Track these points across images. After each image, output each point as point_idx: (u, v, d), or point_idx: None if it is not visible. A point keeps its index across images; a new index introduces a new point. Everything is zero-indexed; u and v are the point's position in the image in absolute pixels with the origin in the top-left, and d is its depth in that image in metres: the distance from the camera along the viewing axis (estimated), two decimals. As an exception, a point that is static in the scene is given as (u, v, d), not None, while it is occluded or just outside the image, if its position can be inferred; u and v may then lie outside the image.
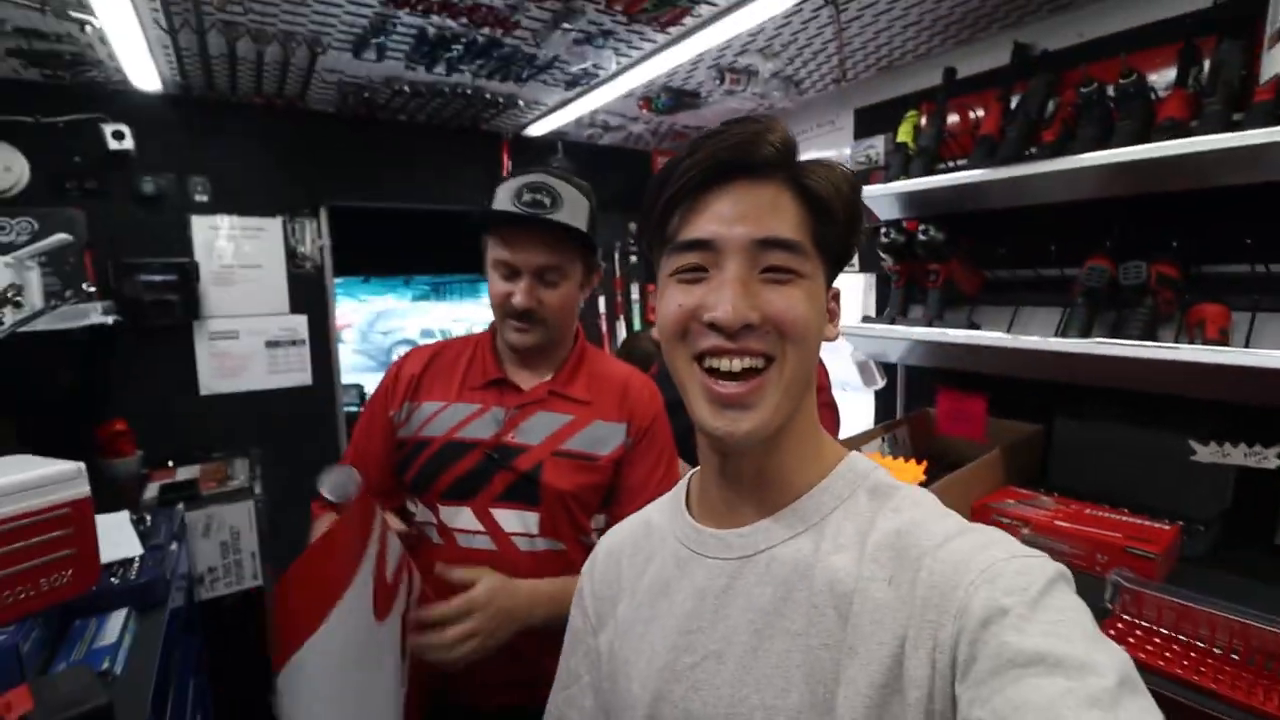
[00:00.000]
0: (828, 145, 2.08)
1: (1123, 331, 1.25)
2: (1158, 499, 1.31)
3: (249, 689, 1.79)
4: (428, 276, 3.27)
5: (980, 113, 1.58)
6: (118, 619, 0.99)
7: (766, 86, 1.82)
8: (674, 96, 1.90)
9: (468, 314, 3.94)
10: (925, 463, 1.23)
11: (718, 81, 1.76)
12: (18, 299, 1.13)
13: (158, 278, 1.81)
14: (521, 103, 2.00)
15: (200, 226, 1.91)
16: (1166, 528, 1.19)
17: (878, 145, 1.82)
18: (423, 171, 2.28)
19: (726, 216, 0.53)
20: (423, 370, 1.10)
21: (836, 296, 0.60)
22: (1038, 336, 1.30)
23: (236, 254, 1.99)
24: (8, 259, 1.39)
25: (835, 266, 0.58)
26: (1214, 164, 1.10)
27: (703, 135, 0.55)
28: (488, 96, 1.91)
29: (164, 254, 1.85)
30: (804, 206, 0.54)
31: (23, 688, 0.75)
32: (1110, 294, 1.29)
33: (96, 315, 1.55)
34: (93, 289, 1.51)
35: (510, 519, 0.98)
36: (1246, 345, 1.19)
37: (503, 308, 0.99)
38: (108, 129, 1.73)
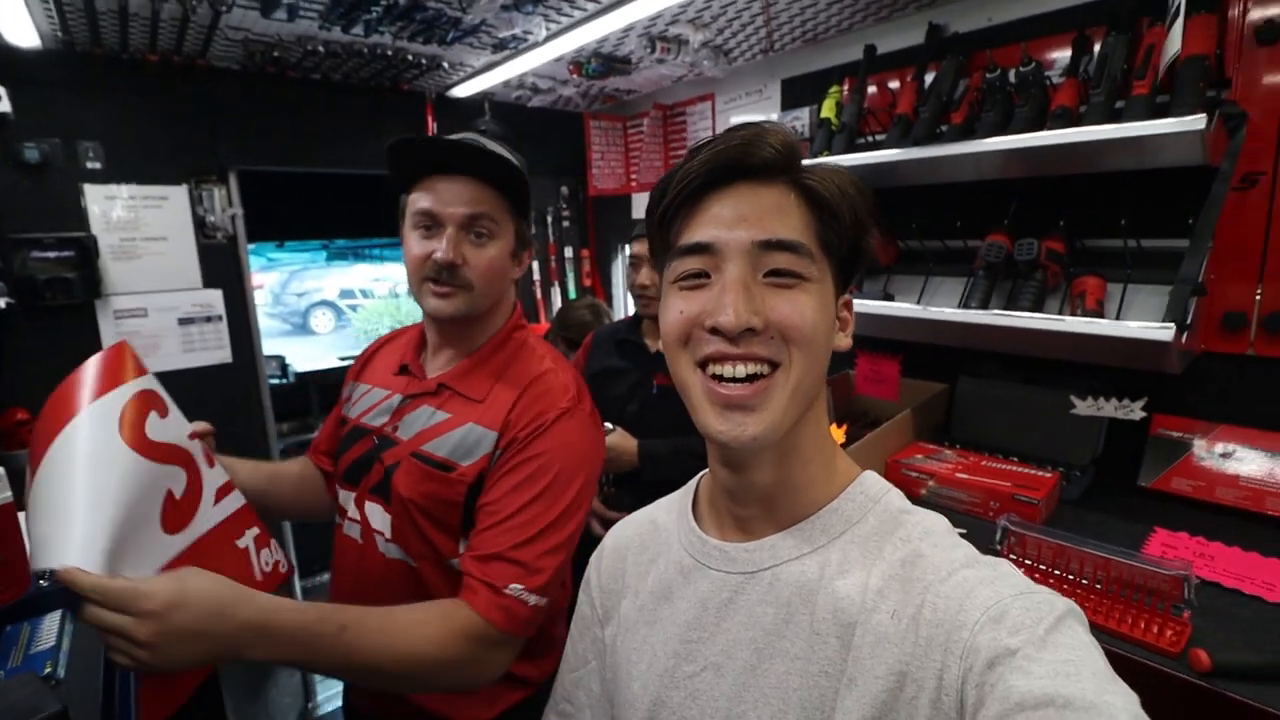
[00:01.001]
0: (757, 113, 2.12)
1: (1016, 303, 1.38)
2: (1043, 449, 1.49)
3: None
4: (346, 240, 3.13)
5: (895, 86, 1.65)
6: (52, 621, 0.97)
7: (696, 56, 1.83)
8: (604, 62, 1.88)
9: (389, 273, 3.79)
10: (845, 425, 1.34)
11: (648, 50, 1.75)
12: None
13: (52, 254, 1.67)
14: (446, 65, 1.92)
15: (95, 196, 1.76)
16: (1047, 475, 1.35)
17: (804, 117, 1.88)
18: (339, 133, 2.16)
19: (727, 219, 0.51)
20: (376, 350, 1.12)
21: (849, 305, 0.58)
22: (943, 307, 1.42)
23: (139, 225, 1.85)
24: None
25: (845, 271, 0.56)
26: (1096, 152, 1.22)
27: (704, 141, 0.54)
28: (409, 58, 1.82)
29: (57, 228, 1.70)
30: (808, 208, 0.53)
31: (-39, 701, 0.73)
32: (1007, 268, 1.41)
33: (-15, 298, 1.43)
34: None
35: (375, 514, 0.94)
36: (1119, 315, 1.35)
37: (420, 271, 0.89)
38: (-24, 89, 1.56)
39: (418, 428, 0.93)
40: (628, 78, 2.13)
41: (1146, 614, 0.97)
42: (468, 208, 0.88)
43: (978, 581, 0.45)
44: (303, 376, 3.59)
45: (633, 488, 1.51)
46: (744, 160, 0.51)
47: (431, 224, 0.89)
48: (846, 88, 1.72)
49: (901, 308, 1.53)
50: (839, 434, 1.29)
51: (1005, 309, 1.39)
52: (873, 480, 0.58)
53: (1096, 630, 0.93)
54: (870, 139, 1.66)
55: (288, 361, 3.68)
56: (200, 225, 1.97)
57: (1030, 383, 1.56)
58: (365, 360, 1.11)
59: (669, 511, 0.68)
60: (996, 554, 1.14)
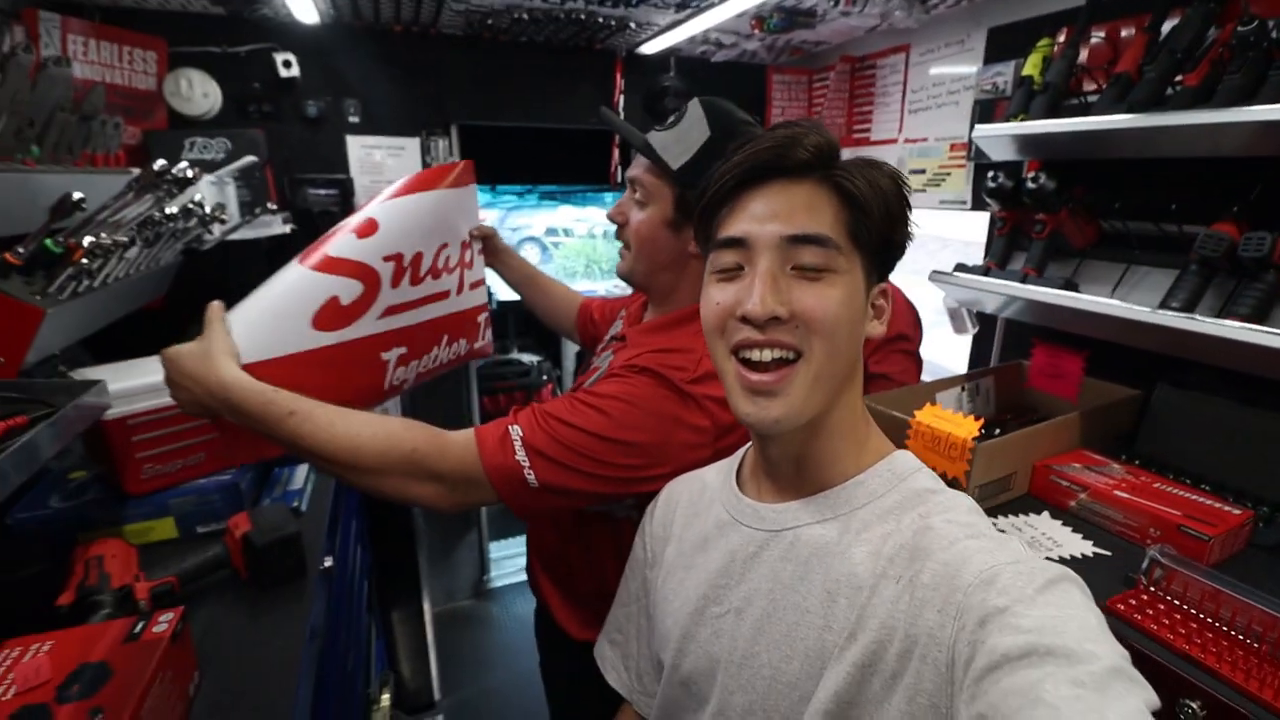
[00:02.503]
0: (956, 65, 1.92)
1: (1233, 307, 1.16)
2: (1246, 483, 1.26)
3: (396, 526, 2.25)
4: (548, 186, 3.45)
5: (1130, 33, 1.40)
6: (302, 469, 1.32)
7: (888, 5, 1.71)
8: (786, 16, 1.83)
9: (589, 215, 4.14)
10: (984, 420, 1.26)
11: (832, 3, 1.67)
12: (223, 216, 1.43)
13: (322, 191, 2.12)
14: (633, 24, 2.01)
15: (354, 145, 2.18)
16: (1235, 512, 1.16)
17: (1006, 73, 1.67)
18: (541, 90, 2.38)
19: (759, 215, 0.55)
20: None
21: (885, 293, 0.60)
22: (1137, 305, 1.24)
23: (383, 170, 2.26)
24: (211, 177, 1.71)
25: (880, 262, 0.59)
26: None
27: (746, 139, 0.59)
28: (600, 20, 1.95)
29: (326, 170, 2.15)
30: (839, 203, 0.55)
31: (244, 514, 1.06)
32: (1229, 264, 1.18)
33: (278, 225, 1.88)
34: (273, 205, 1.82)
35: None
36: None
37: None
38: (278, 58, 1.99)
39: (597, 373, 1.01)
40: (814, 30, 2.04)
41: (1308, 687, 0.84)
42: (632, 171, 0.96)
43: (977, 550, 0.48)
44: (503, 304, 4.09)
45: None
46: (778, 161, 0.55)
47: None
48: (1063, 38, 1.50)
49: (1088, 300, 1.36)
50: (972, 427, 1.22)
51: (1219, 313, 1.18)
52: (903, 460, 0.60)
53: (1243, 698, 0.85)
54: (1081, 100, 1.44)
55: (492, 290, 4.20)
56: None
57: (1250, 403, 1.32)
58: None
59: (718, 473, 0.74)
60: (1132, 582, 1.05)
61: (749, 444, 0.71)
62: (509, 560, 3.04)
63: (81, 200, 1.02)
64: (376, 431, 0.83)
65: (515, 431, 0.83)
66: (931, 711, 0.45)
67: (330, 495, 1.31)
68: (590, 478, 0.83)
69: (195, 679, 0.82)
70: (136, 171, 1.18)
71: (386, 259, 1.02)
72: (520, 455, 0.82)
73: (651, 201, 0.94)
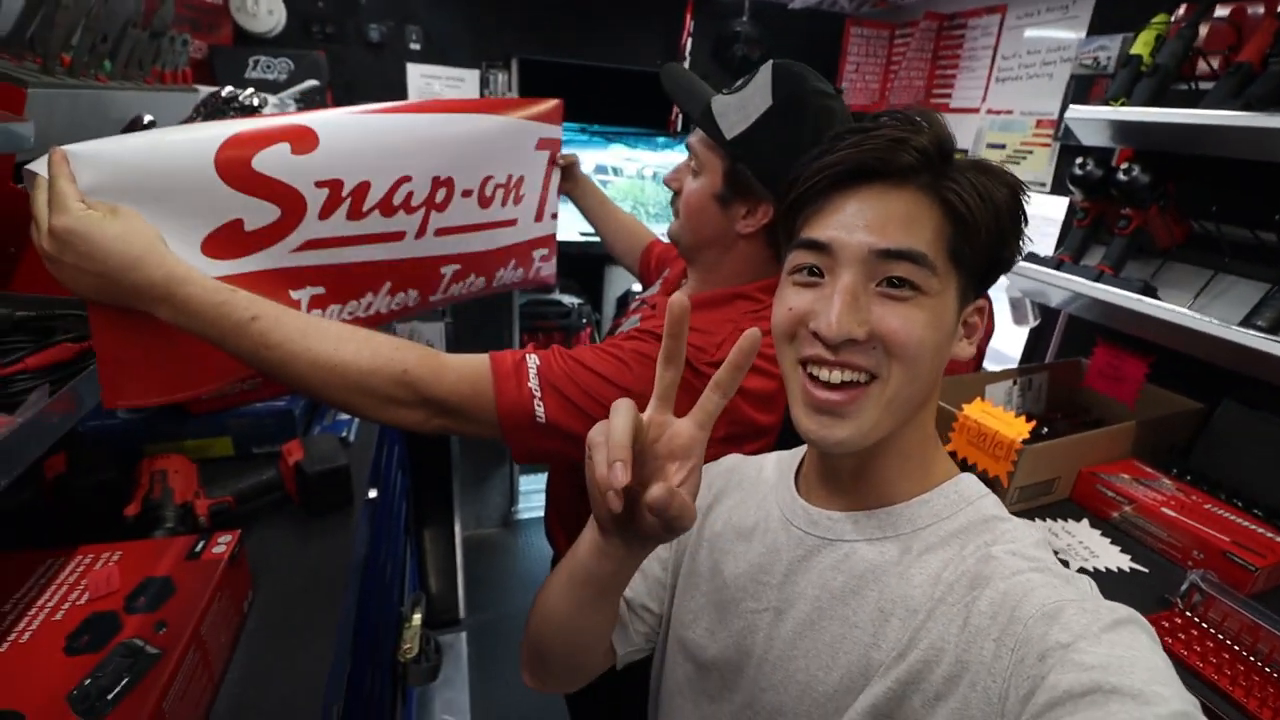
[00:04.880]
0: (1053, 30, 1.76)
1: (1326, 332, 1.09)
2: (1305, 513, 1.21)
3: (435, 452, 2.34)
4: (603, 126, 3.38)
5: (1258, 12, 1.26)
6: (350, 403, 1.37)
7: (993, -38, 1.56)
8: (879, -33, 1.70)
9: (639, 156, 4.08)
10: (1034, 422, 1.23)
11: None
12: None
13: (382, 120, 2.10)
14: (712, -37, 1.90)
15: (414, 74, 2.14)
16: (1288, 543, 1.12)
17: (1111, 48, 1.53)
18: (606, 29, 2.29)
19: (850, 222, 0.50)
20: None
21: (981, 310, 0.55)
22: (1217, 320, 1.17)
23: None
24: (275, 100, 1.70)
25: (980, 280, 0.54)
26: None
27: (847, 130, 0.53)
28: (678, -44, 1.84)
29: (386, 98, 2.12)
30: (942, 217, 0.50)
31: (296, 441, 1.11)
32: (1330, 285, 1.10)
33: (335, 152, 1.88)
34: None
35: None
36: None
37: None
38: (344, -24, 1.94)
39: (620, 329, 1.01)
40: (904, -18, 1.90)
41: (1337, 731, 0.83)
42: (690, 138, 0.92)
43: (1041, 584, 0.45)
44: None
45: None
46: (879, 166, 0.50)
47: None
48: (1182, 12, 1.36)
49: (1163, 308, 1.28)
50: (1023, 428, 1.19)
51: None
52: (969, 483, 0.57)
53: None
54: (1191, 87, 1.32)
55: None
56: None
57: (1320, 429, 1.25)
58: None
59: (776, 466, 0.71)
60: (1168, 604, 1.04)
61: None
62: (537, 494, 3.14)
63: (152, 122, 1.02)
64: (360, 349, 0.73)
65: (532, 361, 0.80)
66: None
67: (376, 426, 1.36)
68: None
69: (250, 596, 0.88)
70: (203, 91, 1.18)
71: (320, 184, 0.84)
72: (533, 384, 0.78)
73: (703, 172, 0.90)
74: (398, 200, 0.94)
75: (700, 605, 0.66)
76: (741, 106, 0.84)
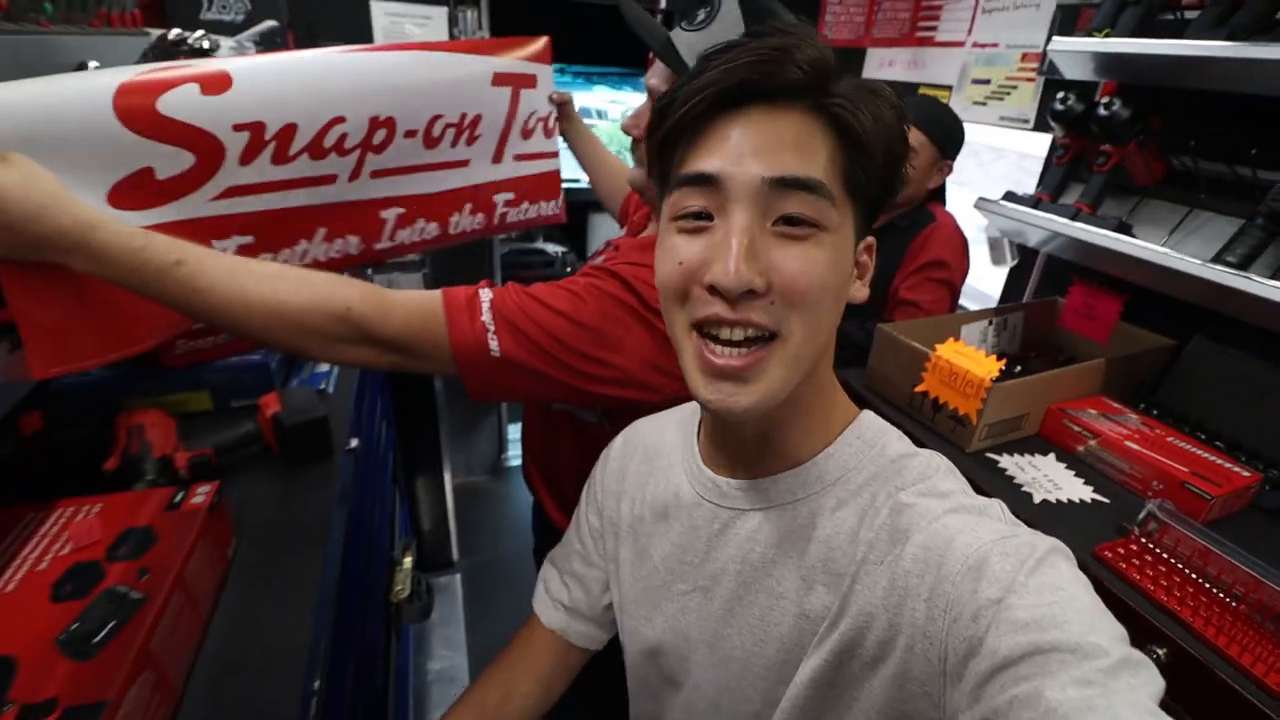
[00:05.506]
0: (1049, -41, 1.70)
1: (1294, 267, 1.10)
2: (1261, 444, 1.25)
3: (420, 402, 2.35)
4: (584, 66, 3.26)
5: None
6: (328, 355, 1.37)
7: (981, -118, 1.49)
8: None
9: (624, 99, 3.99)
10: (1005, 360, 1.25)
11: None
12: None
13: (347, 60, 2.02)
14: (689, -115, 1.79)
15: (378, 13, 2.05)
16: (1244, 474, 1.16)
17: None
18: (582, -42, 2.18)
19: (736, 149, 0.44)
20: None
21: (871, 249, 0.52)
22: (1189, 256, 1.17)
23: (405, 39, 2.13)
24: (231, 43, 1.63)
25: (869, 215, 0.49)
26: None
27: (716, 49, 0.46)
28: (653, -122, 1.73)
29: (349, 39, 2.03)
30: (835, 141, 0.45)
31: (273, 394, 1.12)
32: (1300, 222, 1.11)
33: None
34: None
35: None
36: None
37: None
38: (300, -95, 1.83)
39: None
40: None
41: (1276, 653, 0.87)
42: (655, 79, 0.89)
43: (959, 529, 0.44)
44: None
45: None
46: (763, 81, 0.44)
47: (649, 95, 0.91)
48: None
49: (1138, 246, 1.28)
50: (993, 367, 1.21)
51: (1275, 275, 1.11)
52: (869, 423, 0.54)
53: (1209, 652, 0.87)
54: (1177, 17, 1.29)
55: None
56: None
57: (1282, 363, 1.28)
58: None
59: (677, 427, 0.67)
60: (1128, 535, 1.08)
61: None
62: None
63: (96, 68, 0.98)
64: (298, 288, 0.70)
65: (485, 295, 0.80)
66: (924, 699, 0.43)
67: (356, 377, 1.36)
68: (553, 361, 0.79)
69: (233, 544, 0.90)
70: (154, 35, 1.13)
71: (240, 127, 0.79)
72: (486, 318, 0.77)
73: None
74: (329, 142, 0.90)
75: (637, 594, 0.65)
76: (709, 41, 0.82)
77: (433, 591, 1.71)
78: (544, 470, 1.19)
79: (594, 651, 0.76)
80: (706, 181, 0.45)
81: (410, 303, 0.77)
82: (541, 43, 1.23)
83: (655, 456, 0.68)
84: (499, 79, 1.16)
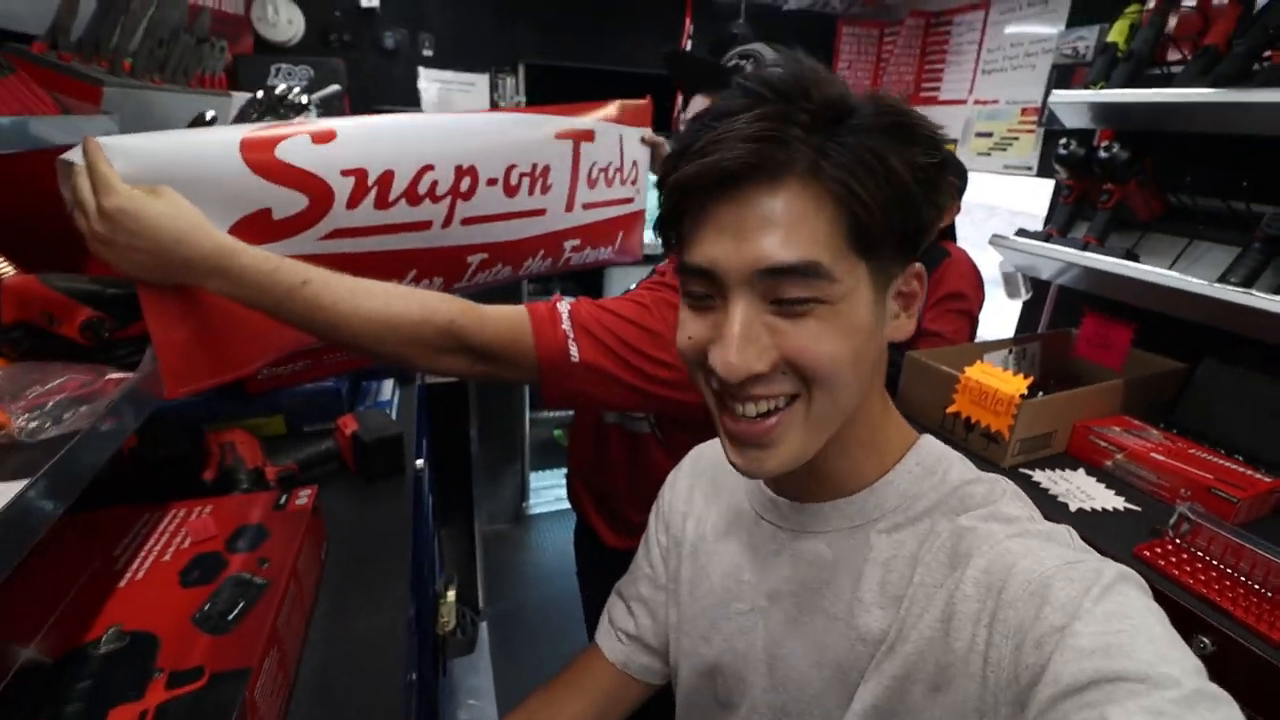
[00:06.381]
0: (1034, 25, 1.89)
1: (1294, 285, 1.20)
2: (1278, 455, 1.32)
3: (456, 448, 2.40)
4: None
5: (1222, 2, 1.38)
6: (389, 384, 1.44)
7: (975, -39, 1.68)
8: (870, -33, 1.81)
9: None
10: (1032, 379, 1.33)
11: (919, -44, 1.65)
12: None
13: (395, 123, 2.19)
14: (711, -33, 2.01)
15: (426, 79, 2.24)
16: (1266, 480, 1.22)
17: (1089, 38, 1.65)
18: (609, 32, 2.40)
19: (731, 235, 0.43)
20: None
21: (918, 276, 0.49)
22: (1195, 279, 1.28)
23: (451, 105, 2.31)
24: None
25: (902, 251, 0.47)
26: None
27: (712, 117, 0.45)
28: (679, -38, 1.94)
29: (399, 102, 2.21)
30: (836, 207, 0.43)
31: (350, 415, 1.18)
32: (1294, 244, 1.21)
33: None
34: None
35: None
36: None
37: None
38: (359, -13, 2.03)
39: None
40: (894, -19, 2.01)
41: (1315, 632, 0.92)
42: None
43: (1023, 553, 0.42)
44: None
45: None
46: (751, 171, 0.42)
47: None
48: (1152, 4, 1.48)
49: (1146, 270, 1.39)
50: (1021, 384, 1.28)
51: (1277, 291, 1.21)
52: (929, 450, 0.53)
53: (1255, 637, 0.90)
54: (1164, 70, 1.44)
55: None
56: (494, 107, 2.39)
57: (1292, 380, 1.36)
58: None
59: None
60: (1158, 534, 1.13)
61: None
62: (547, 490, 3.21)
63: (214, 118, 1.11)
64: (410, 304, 0.77)
65: (563, 307, 0.87)
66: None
67: (414, 408, 1.44)
68: (624, 364, 0.87)
69: (325, 546, 0.95)
70: (239, 95, 1.26)
71: (346, 173, 0.87)
72: (566, 326, 0.85)
73: None
74: (423, 189, 0.98)
75: (695, 613, 0.65)
76: None
77: (476, 624, 1.72)
78: (592, 486, 1.25)
79: (655, 688, 0.75)
80: (705, 274, 0.46)
81: (501, 315, 0.84)
82: (645, 103, 1.37)
83: (721, 476, 0.69)
84: (561, 134, 1.27)
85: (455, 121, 1.07)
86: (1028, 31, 1.91)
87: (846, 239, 0.43)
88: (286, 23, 2.03)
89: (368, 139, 0.91)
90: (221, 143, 0.77)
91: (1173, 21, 1.44)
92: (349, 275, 0.77)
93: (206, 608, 0.71)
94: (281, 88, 1.16)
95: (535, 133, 1.21)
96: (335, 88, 1.82)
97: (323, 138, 0.85)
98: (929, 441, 0.54)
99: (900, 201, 0.43)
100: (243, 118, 1.18)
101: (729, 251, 0.43)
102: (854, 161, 0.42)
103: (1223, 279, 1.26)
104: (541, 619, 2.48)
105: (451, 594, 1.70)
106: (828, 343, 0.44)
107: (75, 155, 0.66)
